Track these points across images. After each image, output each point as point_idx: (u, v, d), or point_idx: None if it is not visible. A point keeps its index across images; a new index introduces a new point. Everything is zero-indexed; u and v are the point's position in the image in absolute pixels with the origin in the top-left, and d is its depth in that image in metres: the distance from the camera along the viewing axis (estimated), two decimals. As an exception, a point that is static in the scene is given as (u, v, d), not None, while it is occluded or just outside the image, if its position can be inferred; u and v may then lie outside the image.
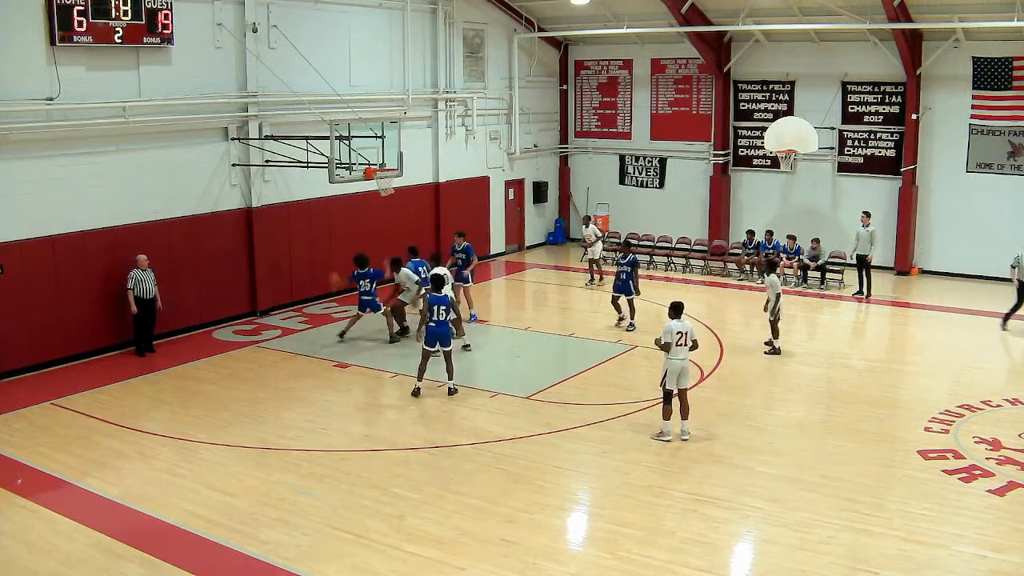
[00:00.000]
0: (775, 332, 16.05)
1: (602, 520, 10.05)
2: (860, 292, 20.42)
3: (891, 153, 22.44)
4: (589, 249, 21.78)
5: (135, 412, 13.20)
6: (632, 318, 17.62)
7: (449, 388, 13.92)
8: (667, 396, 12.09)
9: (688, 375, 12.25)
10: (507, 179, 25.51)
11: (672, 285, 21.87)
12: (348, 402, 13.94)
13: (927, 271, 22.45)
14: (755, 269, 22.25)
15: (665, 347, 12.04)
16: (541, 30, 25.36)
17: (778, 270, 17.19)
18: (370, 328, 17.05)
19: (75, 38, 14.71)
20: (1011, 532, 9.52)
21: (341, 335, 16.82)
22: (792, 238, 21.95)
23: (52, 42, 14.55)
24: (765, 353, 16.00)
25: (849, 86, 22.69)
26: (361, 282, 16.59)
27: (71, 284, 15.38)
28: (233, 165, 17.98)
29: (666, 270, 23.51)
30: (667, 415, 12.09)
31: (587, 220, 22.69)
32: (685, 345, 12.01)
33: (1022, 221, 20.93)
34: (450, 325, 14.04)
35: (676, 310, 12.25)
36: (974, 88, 21.08)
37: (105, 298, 15.84)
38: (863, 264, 20.30)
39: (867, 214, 20.75)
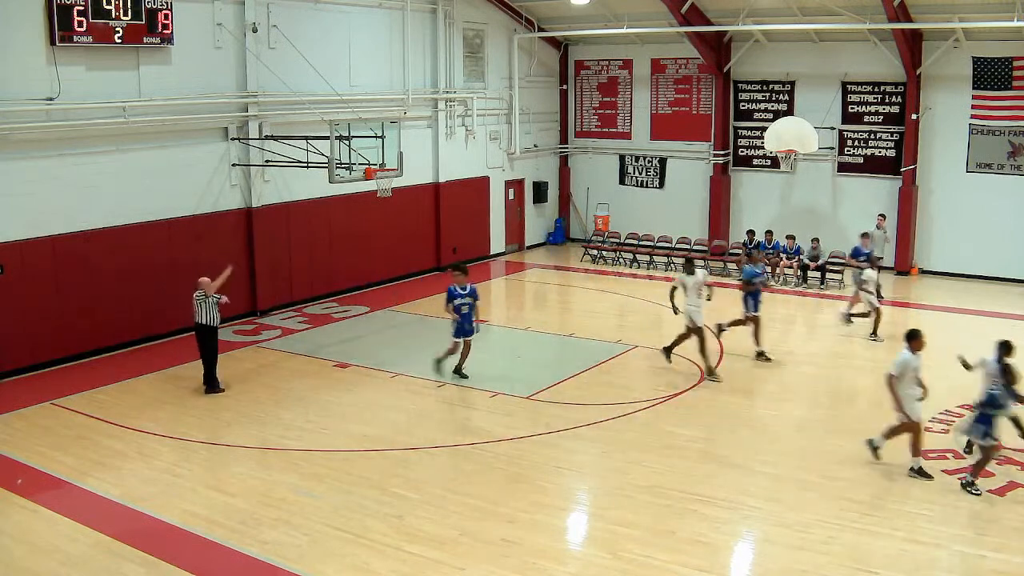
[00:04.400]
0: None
1: (602, 520, 10.04)
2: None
3: (891, 153, 22.44)
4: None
5: (135, 412, 13.19)
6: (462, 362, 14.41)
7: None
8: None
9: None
10: (507, 179, 25.51)
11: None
12: (348, 402, 13.93)
13: (927, 271, 22.45)
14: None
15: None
16: (541, 30, 25.36)
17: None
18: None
19: (75, 38, 14.71)
20: (1011, 532, 9.52)
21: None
22: (792, 238, 21.96)
23: (52, 42, 14.56)
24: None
25: (849, 86, 22.68)
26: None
27: (71, 284, 15.37)
28: (233, 165, 17.98)
29: (666, 270, 23.49)
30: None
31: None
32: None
33: (1022, 221, 20.97)
34: None
35: (1005, 348, 10.83)
36: (974, 88, 21.08)
37: (105, 298, 15.83)
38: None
39: (883, 216, 20.81)
